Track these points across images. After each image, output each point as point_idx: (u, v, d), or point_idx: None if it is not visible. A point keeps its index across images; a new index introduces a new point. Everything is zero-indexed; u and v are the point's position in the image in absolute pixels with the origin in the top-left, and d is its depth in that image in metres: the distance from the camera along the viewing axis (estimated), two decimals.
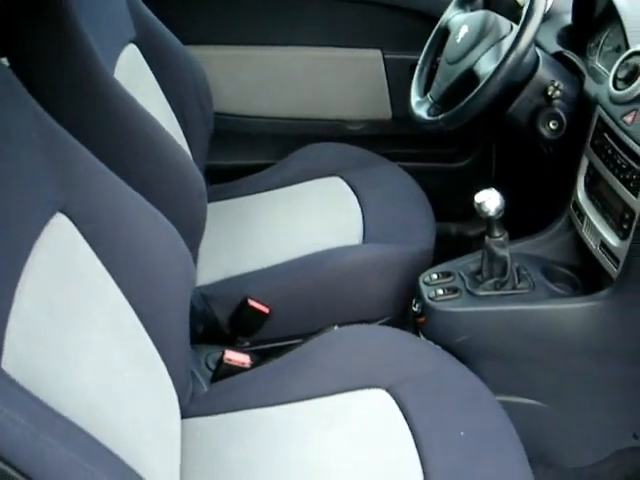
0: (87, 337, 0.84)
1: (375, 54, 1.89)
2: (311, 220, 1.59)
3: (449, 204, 1.85)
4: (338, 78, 1.91)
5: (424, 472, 1.02)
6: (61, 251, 0.85)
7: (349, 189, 1.68)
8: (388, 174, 1.76)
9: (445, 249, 1.59)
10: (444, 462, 1.03)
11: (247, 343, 1.42)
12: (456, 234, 2.02)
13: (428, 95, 1.53)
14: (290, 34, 1.86)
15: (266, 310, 1.38)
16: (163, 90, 1.47)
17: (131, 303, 0.97)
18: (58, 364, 0.75)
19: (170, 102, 1.48)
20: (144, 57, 1.43)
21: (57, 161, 0.89)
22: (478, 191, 1.31)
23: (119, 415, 0.83)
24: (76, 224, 0.90)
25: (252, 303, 1.37)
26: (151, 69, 1.44)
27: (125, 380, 0.89)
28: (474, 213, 1.59)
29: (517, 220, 1.36)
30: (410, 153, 1.97)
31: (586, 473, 1.44)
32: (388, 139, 1.97)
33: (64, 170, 0.90)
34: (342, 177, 1.72)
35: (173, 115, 1.48)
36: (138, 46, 1.41)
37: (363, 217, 1.59)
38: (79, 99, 1.11)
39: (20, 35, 1.07)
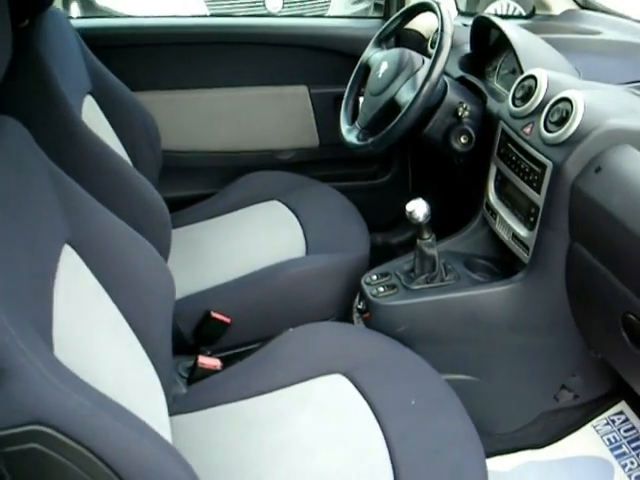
0: (101, 341, 0.98)
1: (302, 90, 2.10)
2: (259, 239, 1.76)
3: (374, 217, 2.02)
4: (270, 113, 2.11)
5: (385, 437, 1.19)
6: (70, 276, 0.99)
7: (288, 210, 1.87)
8: (321, 194, 1.95)
9: (372, 258, 1.77)
10: (401, 426, 1.21)
11: (209, 352, 1.55)
12: (381, 243, 2.23)
13: (356, 123, 1.73)
14: (226, 77, 2.05)
15: (227, 320, 1.54)
16: (117, 134, 1.60)
17: (125, 316, 1.11)
18: (85, 362, 0.90)
19: (124, 145, 1.61)
20: (99, 106, 1.56)
21: (61, 199, 1.03)
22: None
23: (130, 406, 0.97)
24: (78, 252, 1.04)
25: (215, 315, 1.53)
26: (106, 116, 1.58)
27: (128, 379, 1.04)
28: (397, 223, 1.79)
29: (439, 223, 1.57)
30: (337, 174, 2.18)
31: (517, 436, 1.64)
32: (317, 164, 2.17)
33: (66, 206, 1.04)
34: (280, 200, 1.90)
35: (127, 156, 1.62)
36: (94, 97, 1.55)
37: (304, 233, 1.77)
38: (60, 145, 1.24)
39: (8, 93, 1.20)
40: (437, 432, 1.21)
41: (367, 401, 1.26)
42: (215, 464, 1.18)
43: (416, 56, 1.64)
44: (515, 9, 4.11)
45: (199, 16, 3.34)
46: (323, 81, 2.09)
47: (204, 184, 2.07)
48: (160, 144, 1.78)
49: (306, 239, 1.75)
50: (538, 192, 1.38)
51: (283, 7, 4.02)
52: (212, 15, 3.60)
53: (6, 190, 0.88)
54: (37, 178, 0.99)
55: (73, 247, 1.03)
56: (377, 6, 4.37)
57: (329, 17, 3.87)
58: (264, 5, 3.95)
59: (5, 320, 0.72)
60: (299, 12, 4.10)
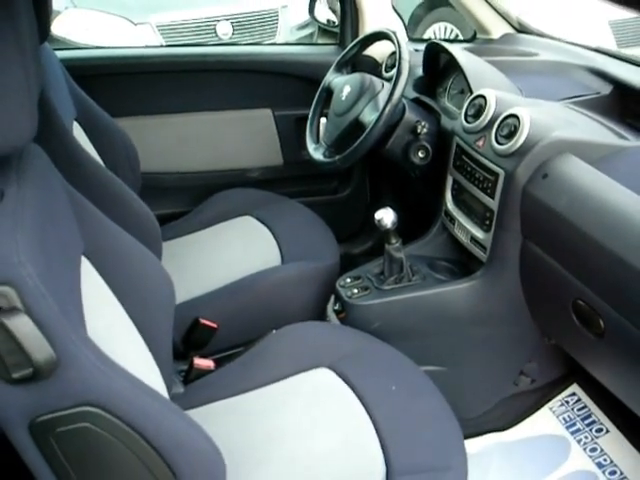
0: (121, 342, 1.10)
1: (266, 112, 2.26)
2: (237, 251, 1.89)
3: (336, 229, 2.13)
4: (237, 134, 2.26)
5: (372, 419, 1.33)
6: (88, 284, 1.09)
7: (261, 224, 2.00)
8: (289, 208, 2.09)
9: None
10: (385, 409, 1.35)
11: (197, 357, 1.68)
12: (344, 254, 2.37)
13: (321, 141, 1.89)
14: (197, 102, 2.19)
15: (215, 325, 1.66)
16: (101, 157, 1.72)
17: (132, 318, 1.23)
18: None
19: (107, 167, 1.72)
20: (84, 131, 1.68)
21: (76, 213, 1.14)
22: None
23: None
24: (92, 263, 1.14)
25: (203, 321, 1.65)
26: (90, 140, 1.70)
27: (142, 377, 1.16)
28: (357, 235, 1.93)
29: (399, 231, 1.72)
30: (300, 190, 2.33)
31: (482, 420, 1.79)
32: (282, 181, 2.32)
33: (80, 220, 1.15)
34: (252, 215, 2.04)
35: None
36: (79, 122, 1.66)
37: (278, 244, 1.91)
38: (63, 166, 1.35)
39: None
40: (418, 412, 1.36)
41: (352, 389, 1.40)
42: None
43: (376, 80, 1.81)
44: (452, 31, 4.38)
45: (172, 46, 3.52)
46: (285, 104, 2.25)
47: (179, 202, 2.20)
48: (139, 166, 1.89)
49: (280, 250, 1.88)
50: (492, 198, 1.55)
51: (233, 33, 4.22)
52: (184, 45, 3.77)
53: (42, 206, 1.00)
54: (59, 195, 1.10)
55: (88, 258, 1.14)
56: (322, 31, 4.57)
57: (291, 44, 4.09)
58: (215, 32, 4.15)
59: (59, 313, 0.84)
60: (249, 38, 4.27)
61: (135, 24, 3.83)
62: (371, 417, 1.34)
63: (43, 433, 0.87)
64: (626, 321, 1.27)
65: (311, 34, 4.60)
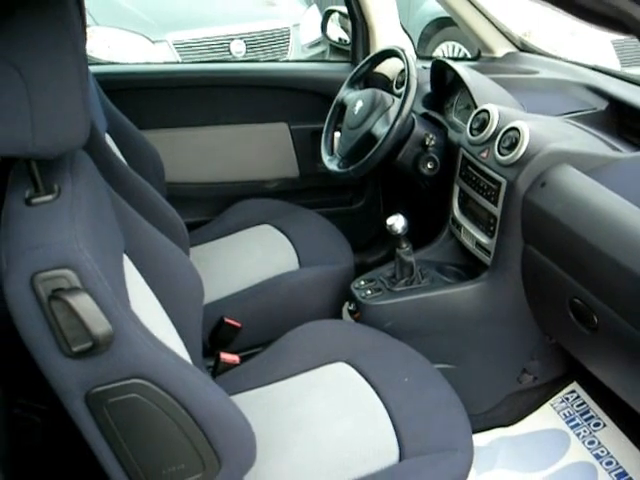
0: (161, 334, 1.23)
1: (283, 126, 2.39)
2: (257, 256, 2.01)
3: (350, 239, 2.24)
4: (255, 147, 2.39)
5: (385, 407, 1.45)
6: (130, 280, 1.21)
7: (279, 232, 2.13)
8: (306, 217, 2.22)
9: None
10: (398, 398, 1.47)
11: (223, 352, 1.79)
12: (359, 263, 2.49)
13: (335, 153, 2.02)
14: (217, 117, 2.33)
15: (239, 325, 1.79)
16: (130, 167, 1.85)
17: (167, 312, 1.35)
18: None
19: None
20: (115, 142, 1.81)
21: (117, 214, 1.26)
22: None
23: None
24: (132, 260, 1.26)
25: (228, 320, 1.78)
26: (120, 151, 1.82)
27: None
28: (371, 244, 2.05)
29: (411, 238, 1.84)
30: (316, 201, 2.46)
31: (488, 416, 1.91)
32: (298, 192, 2.45)
33: (121, 221, 1.28)
34: (270, 224, 2.16)
35: None
36: (110, 134, 1.79)
37: (296, 250, 2.03)
38: (102, 174, 1.49)
39: None
40: (428, 400, 1.48)
41: (368, 381, 1.52)
42: None
43: (387, 95, 1.94)
44: (460, 50, 4.53)
45: (195, 63, 3.69)
46: (301, 118, 2.39)
47: (201, 212, 2.33)
48: (164, 176, 2.02)
49: (298, 255, 2.01)
50: (496, 205, 1.68)
51: (247, 51, 4.37)
52: (206, 61, 3.93)
53: (92, 204, 1.12)
54: (104, 197, 1.21)
55: (128, 255, 1.27)
56: (333, 49, 4.71)
57: (305, 61, 4.26)
58: (229, 50, 4.30)
59: (113, 294, 0.96)
60: (261, 55, 4.42)
61: (153, 42, 4.00)
62: (385, 405, 1.46)
63: (97, 403, 0.98)
64: (618, 316, 1.39)
65: (322, 52, 4.74)
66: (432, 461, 1.34)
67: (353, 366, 1.57)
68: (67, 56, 0.95)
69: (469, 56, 3.44)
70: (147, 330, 1.04)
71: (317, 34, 4.70)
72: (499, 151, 1.67)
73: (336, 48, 4.73)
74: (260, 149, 2.40)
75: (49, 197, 1.02)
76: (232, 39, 4.28)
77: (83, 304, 0.91)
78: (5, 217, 1.02)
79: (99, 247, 1.01)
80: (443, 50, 4.67)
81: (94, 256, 0.95)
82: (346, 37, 2.61)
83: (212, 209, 2.31)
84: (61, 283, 0.91)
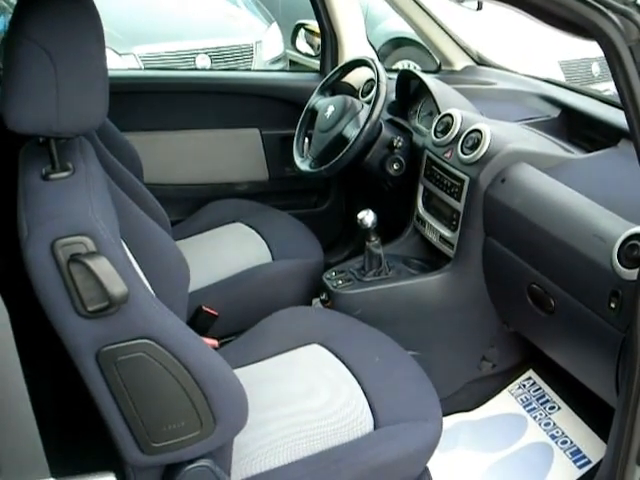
0: None
1: (254, 132, 2.51)
2: (231, 251, 2.10)
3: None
4: (228, 151, 2.50)
5: (358, 381, 1.55)
6: None
7: (250, 229, 2.22)
8: (276, 216, 2.32)
9: None
10: (370, 374, 1.57)
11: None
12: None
13: (307, 155, 2.13)
14: (191, 121, 2.44)
15: (215, 313, 1.87)
16: None
17: (154, 290, 1.43)
18: None
19: None
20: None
21: (114, 201, 1.34)
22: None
23: None
24: (127, 244, 1.33)
25: (205, 308, 1.86)
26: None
27: None
28: (334, 245, 2.16)
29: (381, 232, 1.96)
30: (283, 204, 2.55)
31: (450, 402, 2.01)
32: (267, 194, 2.56)
33: (115, 204, 1.36)
34: (242, 222, 2.26)
35: None
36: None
37: (268, 245, 2.13)
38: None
39: None
40: (398, 376, 1.59)
41: (341, 360, 1.62)
42: None
43: (357, 101, 2.07)
44: (415, 67, 4.71)
45: (170, 69, 3.85)
46: (272, 124, 2.50)
47: (175, 211, 2.40)
48: (143, 176, 2.10)
49: (270, 249, 2.10)
50: (459, 201, 1.81)
51: (212, 66, 4.48)
52: (183, 69, 4.06)
53: (100, 183, 1.20)
54: (104, 179, 1.30)
55: (124, 240, 1.35)
56: (292, 64, 4.91)
57: (277, 71, 4.45)
58: (194, 64, 4.40)
59: (125, 260, 1.05)
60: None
61: (120, 54, 4.07)
62: (358, 381, 1.55)
63: (107, 361, 1.07)
64: (573, 298, 1.52)
65: (283, 68, 4.89)
66: (405, 429, 1.45)
67: (327, 347, 1.66)
68: (93, 45, 1.07)
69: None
70: (154, 296, 1.13)
71: (278, 51, 4.87)
72: (462, 151, 1.80)
73: (295, 64, 4.94)
74: (232, 153, 2.50)
75: (65, 174, 1.11)
76: (197, 53, 4.38)
77: (101, 266, 1.00)
78: (23, 191, 1.11)
79: (110, 220, 1.10)
80: (399, 67, 4.86)
81: (108, 226, 1.04)
82: (311, 51, 2.76)
83: (186, 209, 2.40)
84: (79, 249, 1.00)
